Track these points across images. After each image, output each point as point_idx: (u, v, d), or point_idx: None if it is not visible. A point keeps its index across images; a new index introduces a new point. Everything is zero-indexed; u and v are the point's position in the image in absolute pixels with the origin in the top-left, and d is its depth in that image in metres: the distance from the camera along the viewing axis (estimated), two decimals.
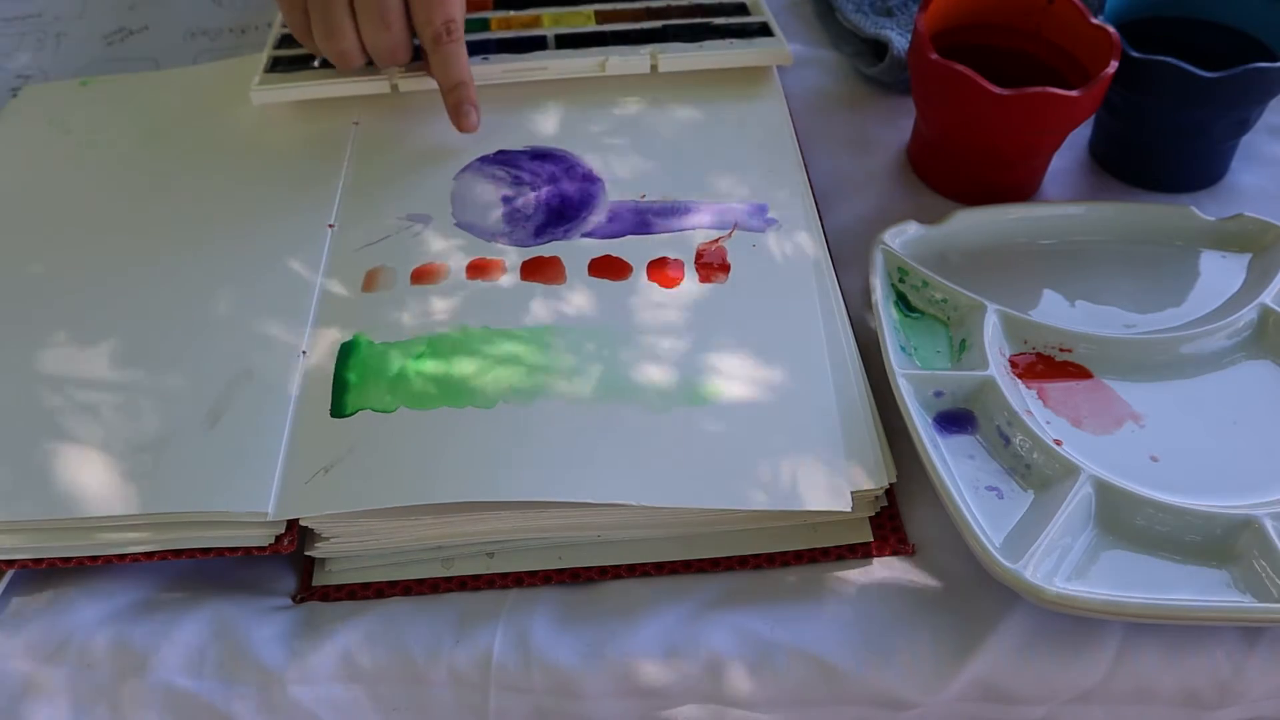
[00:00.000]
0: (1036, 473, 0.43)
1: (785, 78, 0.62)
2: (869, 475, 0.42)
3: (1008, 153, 0.54)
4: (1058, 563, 0.40)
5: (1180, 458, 0.43)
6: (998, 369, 0.45)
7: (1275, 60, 0.50)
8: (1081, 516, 0.41)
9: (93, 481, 0.43)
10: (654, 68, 0.59)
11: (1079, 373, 0.47)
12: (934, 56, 0.51)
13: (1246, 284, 0.50)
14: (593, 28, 0.62)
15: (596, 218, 0.53)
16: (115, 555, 0.42)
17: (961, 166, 0.56)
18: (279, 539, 0.42)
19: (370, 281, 0.50)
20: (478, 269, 0.50)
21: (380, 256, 0.51)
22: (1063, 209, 0.54)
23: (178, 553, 0.42)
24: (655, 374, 0.45)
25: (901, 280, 0.50)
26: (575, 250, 0.51)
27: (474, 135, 0.56)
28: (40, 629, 0.42)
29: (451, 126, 0.56)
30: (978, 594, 0.41)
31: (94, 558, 0.42)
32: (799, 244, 0.51)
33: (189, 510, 0.42)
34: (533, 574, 0.43)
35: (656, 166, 0.55)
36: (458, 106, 0.55)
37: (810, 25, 0.69)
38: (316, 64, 0.60)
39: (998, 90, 0.49)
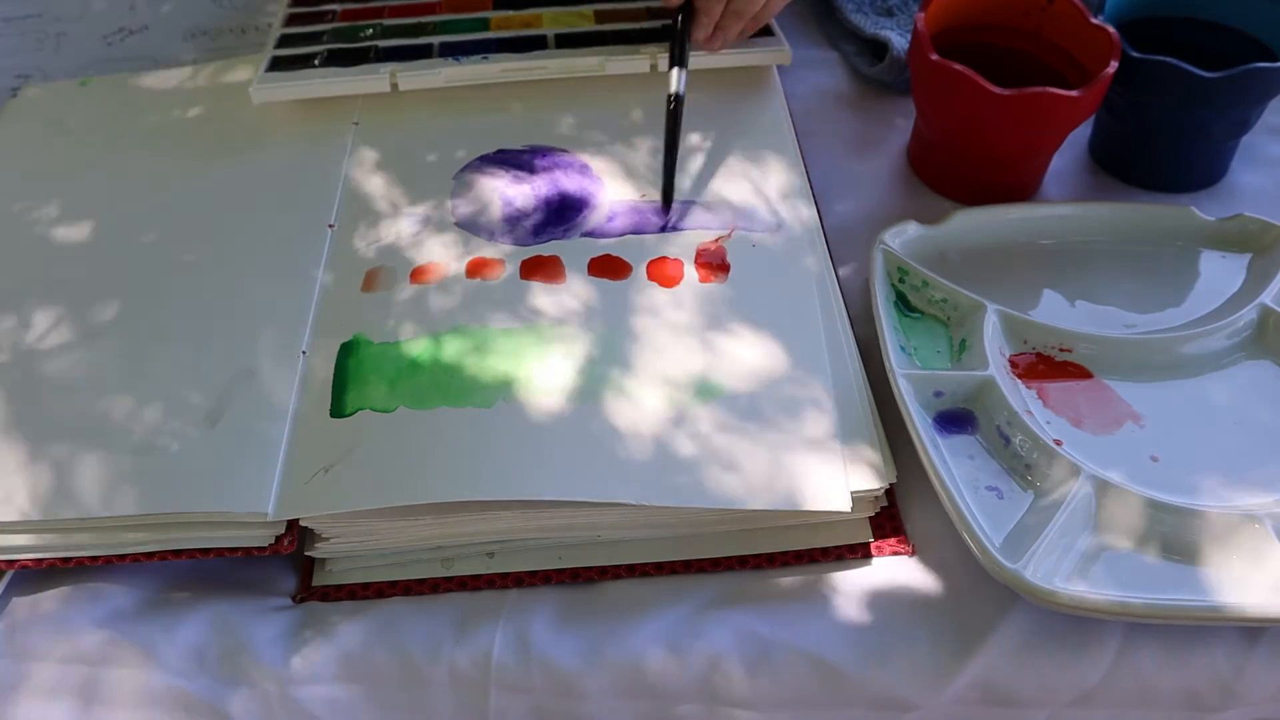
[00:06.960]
0: (1036, 473, 0.43)
1: (785, 78, 0.62)
2: (869, 475, 0.42)
3: (1008, 153, 0.54)
4: (1058, 563, 0.40)
5: (1180, 458, 0.43)
6: (998, 369, 0.45)
7: (1275, 60, 0.50)
8: (1081, 516, 0.41)
9: (93, 481, 0.43)
10: (654, 68, 0.59)
11: (1079, 373, 0.47)
12: (934, 56, 0.51)
13: (1246, 284, 0.50)
14: (592, 27, 0.62)
15: (596, 217, 0.53)
16: (115, 555, 0.42)
17: (961, 166, 0.56)
18: (279, 539, 0.42)
19: (370, 281, 0.50)
20: (477, 268, 0.50)
21: (380, 256, 0.51)
22: (1063, 209, 0.54)
23: (178, 553, 0.42)
24: (655, 374, 0.45)
25: (901, 280, 0.50)
26: (575, 249, 0.51)
27: (473, 134, 0.56)
28: (40, 629, 0.42)
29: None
30: (978, 594, 0.41)
31: (94, 558, 0.42)
32: (799, 244, 0.51)
33: (189, 510, 0.42)
34: (533, 574, 0.43)
35: (656, 166, 0.55)
36: None
37: (810, 25, 0.69)
38: (317, 63, 0.60)
39: (998, 90, 0.49)
